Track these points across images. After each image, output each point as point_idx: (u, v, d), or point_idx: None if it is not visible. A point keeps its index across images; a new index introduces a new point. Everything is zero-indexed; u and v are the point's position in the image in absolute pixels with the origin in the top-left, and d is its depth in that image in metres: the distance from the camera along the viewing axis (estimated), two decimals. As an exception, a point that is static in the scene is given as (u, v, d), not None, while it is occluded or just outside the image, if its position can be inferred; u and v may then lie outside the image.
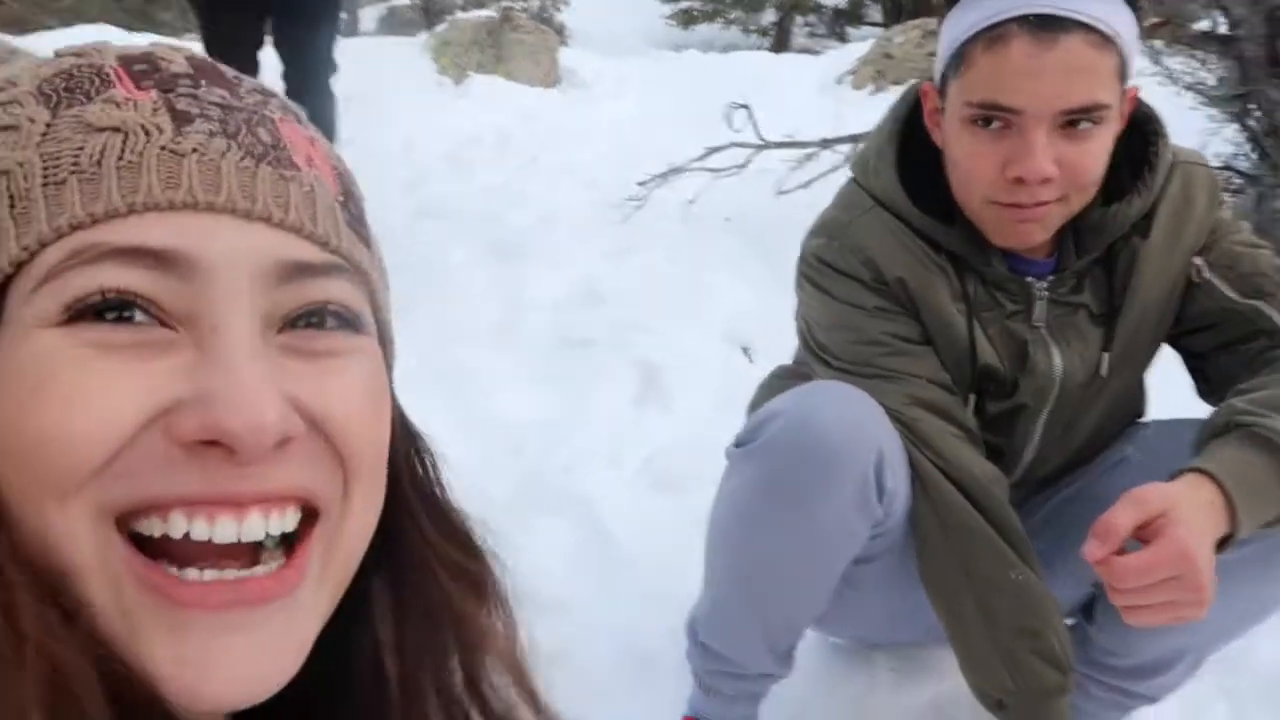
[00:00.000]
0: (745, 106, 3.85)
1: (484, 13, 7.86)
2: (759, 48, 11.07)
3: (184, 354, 0.43)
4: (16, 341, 0.43)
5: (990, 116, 1.10)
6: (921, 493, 1.20)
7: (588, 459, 2.22)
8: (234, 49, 3.19)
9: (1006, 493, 1.23)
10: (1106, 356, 1.25)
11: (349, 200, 0.52)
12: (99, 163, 0.44)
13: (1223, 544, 1.02)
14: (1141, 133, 1.20)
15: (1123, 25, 1.08)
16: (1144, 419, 1.40)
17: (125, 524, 0.43)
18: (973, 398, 1.26)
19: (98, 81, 0.46)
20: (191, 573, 0.43)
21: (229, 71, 0.51)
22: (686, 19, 12.10)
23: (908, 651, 1.65)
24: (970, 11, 1.11)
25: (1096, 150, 1.11)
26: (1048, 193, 1.10)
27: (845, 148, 3.78)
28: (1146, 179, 1.19)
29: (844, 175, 3.84)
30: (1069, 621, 1.33)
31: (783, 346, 2.11)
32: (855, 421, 1.15)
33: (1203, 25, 3.57)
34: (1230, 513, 1.01)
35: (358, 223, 0.52)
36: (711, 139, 3.97)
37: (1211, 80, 3.76)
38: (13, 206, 0.44)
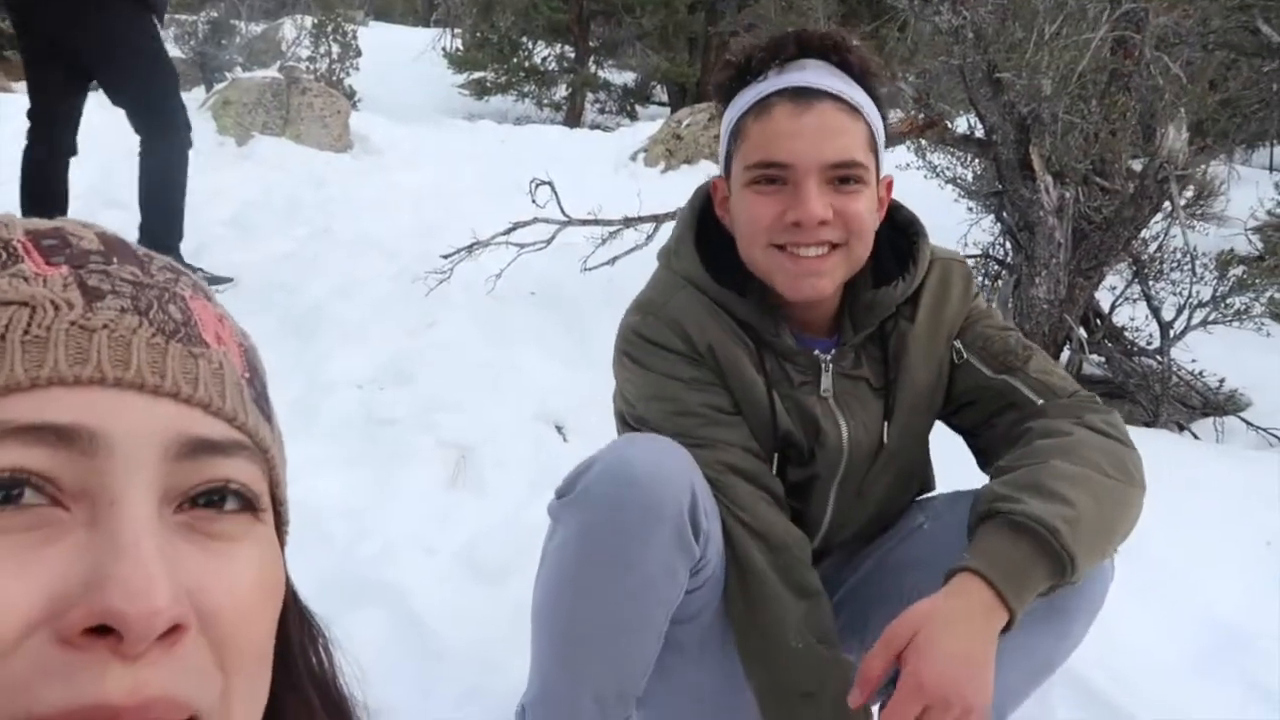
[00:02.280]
0: (548, 183, 3.89)
1: (268, 73, 7.59)
2: (552, 121, 11.29)
3: (75, 534, 0.42)
4: None
5: (769, 176, 1.25)
6: (730, 551, 1.28)
7: (400, 547, 2.11)
8: (52, 102, 3.64)
9: (808, 554, 1.32)
10: (887, 425, 1.37)
11: (254, 377, 0.53)
12: (2, 336, 0.43)
13: (1007, 628, 1.12)
14: (905, 234, 1.38)
15: (865, 103, 1.27)
16: (934, 491, 1.52)
17: None
18: (776, 461, 1.35)
19: (4, 255, 0.46)
20: None
21: (139, 249, 0.51)
22: (480, 89, 12.17)
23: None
24: (741, 97, 1.29)
25: (864, 204, 1.26)
26: (827, 233, 1.24)
27: (647, 226, 3.88)
28: (910, 269, 1.35)
29: (646, 253, 3.94)
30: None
31: (596, 424, 2.11)
32: (667, 464, 1.21)
33: (963, 128, 3.95)
34: (1003, 601, 1.10)
35: (262, 399, 0.53)
36: (513, 211, 3.98)
37: (970, 176, 4.17)
38: None
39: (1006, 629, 1.11)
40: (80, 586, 0.40)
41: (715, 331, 1.32)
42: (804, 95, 1.23)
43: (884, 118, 1.32)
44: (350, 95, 9.41)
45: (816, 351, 1.35)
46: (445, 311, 3.52)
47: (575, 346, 3.34)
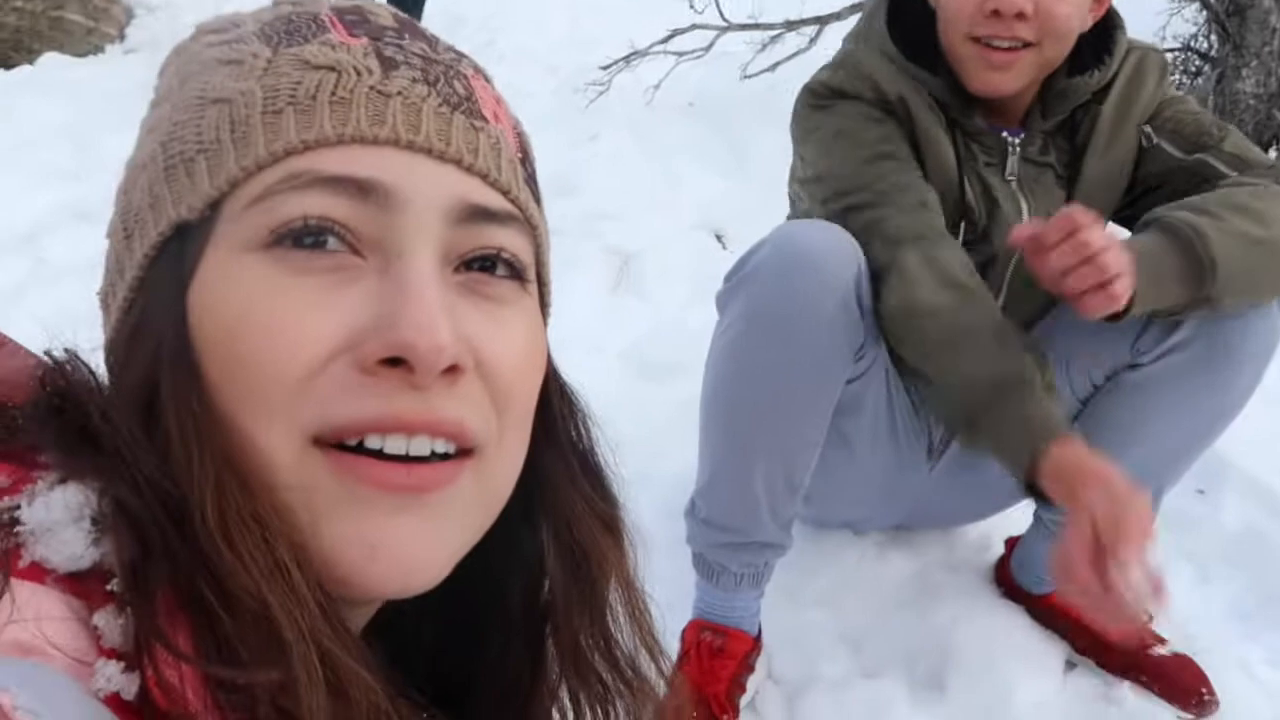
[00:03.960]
0: (707, -14, 3.76)
1: (423, -114, 7.46)
2: (709, -75, 10.69)
3: (369, 280, 0.47)
4: (225, 260, 0.47)
5: None
6: (908, 294, 1.21)
7: (568, 347, 2.20)
8: None
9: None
10: None
11: (526, 159, 0.55)
12: (314, 96, 0.48)
13: (1121, 315, 1.13)
14: (1104, 26, 1.32)
15: None
16: None
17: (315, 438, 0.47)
18: (962, 229, 1.33)
19: (315, 26, 0.51)
20: (373, 442, 0.46)
21: (428, 30, 0.55)
22: (633, -106, 11.61)
23: (892, 532, 1.71)
24: None
25: (1070, 3, 1.20)
26: (1024, 30, 1.19)
27: (810, 29, 3.72)
28: (1106, 59, 1.31)
29: (808, 58, 3.76)
30: None
31: (756, 233, 2.11)
32: (835, 240, 1.21)
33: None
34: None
35: (532, 180, 0.56)
36: (670, 20, 3.87)
37: (1174, -41, 3.75)
38: (233, 131, 0.48)
39: (1125, 314, 1.12)
40: (374, 323, 0.45)
41: (908, 87, 1.29)
42: None
43: None
44: (503, -93, 9.16)
45: (1005, 134, 1.32)
46: (605, 123, 3.53)
47: (734, 157, 3.30)
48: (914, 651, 1.51)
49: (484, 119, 0.51)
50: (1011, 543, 1.62)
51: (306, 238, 0.46)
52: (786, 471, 1.30)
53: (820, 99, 1.33)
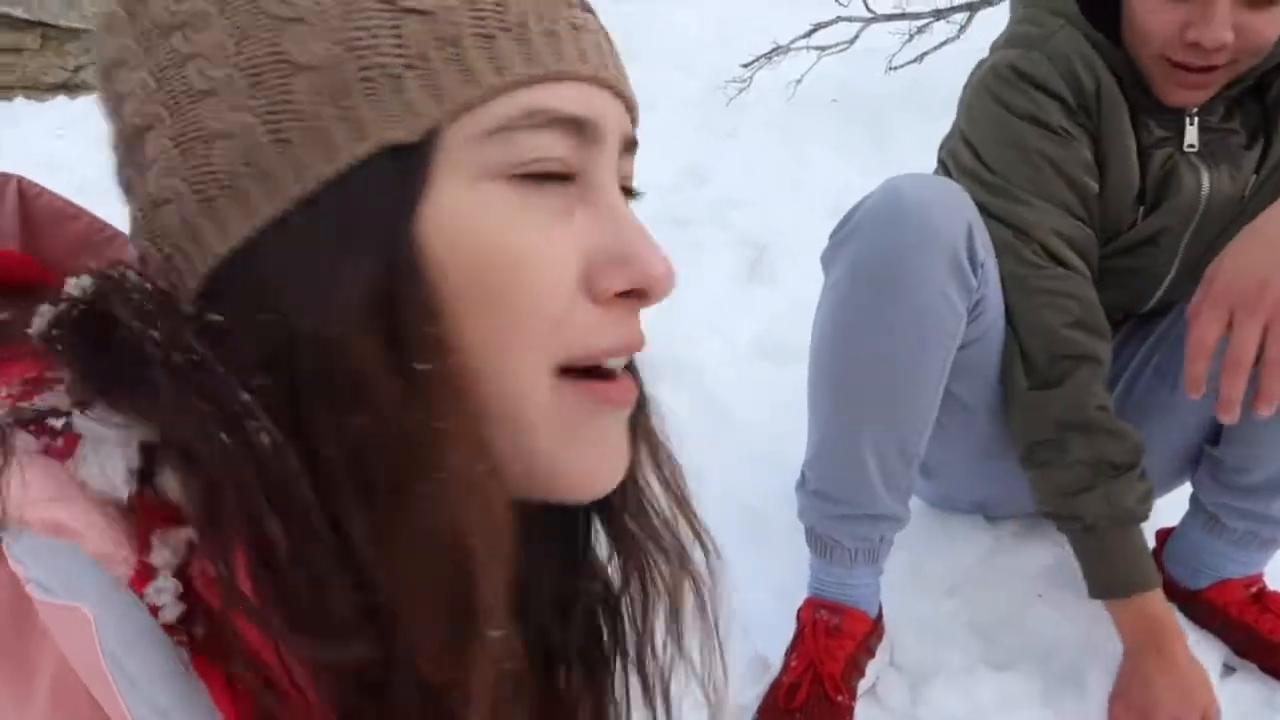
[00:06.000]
0: (853, -23, 3.69)
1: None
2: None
3: (580, 211, 0.49)
4: (465, 188, 0.45)
5: None
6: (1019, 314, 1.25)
7: (698, 333, 2.20)
8: None
9: (1108, 336, 1.26)
10: (1254, 179, 1.28)
11: None
12: (524, 24, 0.46)
13: None
14: None
15: None
16: None
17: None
18: (1140, 214, 1.29)
19: None
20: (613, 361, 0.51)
21: None
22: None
23: (1029, 520, 1.61)
24: None
25: (1277, 21, 1.14)
26: (1220, 58, 1.15)
27: (960, 17, 3.59)
28: None
29: (957, 48, 3.63)
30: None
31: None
32: (942, 193, 1.17)
33: None
34: None
35: None
36: (815, 15, 3.82)
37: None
38: (442, 50, 0.44)
39: None
40: (605, 255, 0.48)
41: (1104, 73, 1.24)
42: None
43: None
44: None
45: (1182, 107, 1.25)
46: (745, 119, 3.50)
47: (875, 151, 3.21)
48: (1050, 646, 1.41)
49: (613, 46, 0.52)
50: (1164, 534, 1.50)
51: (540, 172, 0.47)
52: (899, 438, 1.23)
53: (1005, 87, 1.25)
